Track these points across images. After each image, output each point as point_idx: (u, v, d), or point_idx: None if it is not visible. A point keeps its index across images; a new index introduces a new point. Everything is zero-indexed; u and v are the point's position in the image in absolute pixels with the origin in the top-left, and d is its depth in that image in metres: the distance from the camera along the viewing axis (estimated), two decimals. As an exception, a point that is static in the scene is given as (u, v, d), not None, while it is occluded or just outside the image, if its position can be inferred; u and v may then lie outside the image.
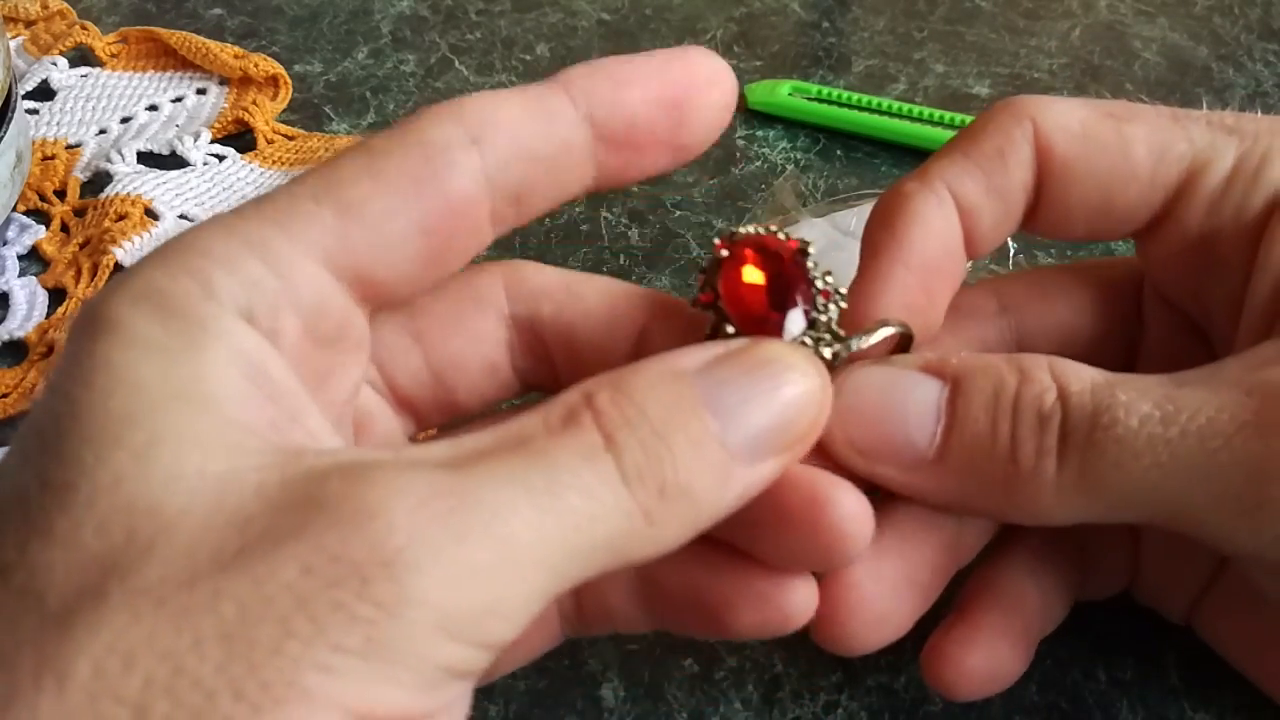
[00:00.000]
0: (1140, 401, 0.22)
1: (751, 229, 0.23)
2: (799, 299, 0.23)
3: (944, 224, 0.25)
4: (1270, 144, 0.25)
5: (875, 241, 0.25)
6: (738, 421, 0.20)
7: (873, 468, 0.23)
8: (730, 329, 0.23)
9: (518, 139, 0.21)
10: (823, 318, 0.23)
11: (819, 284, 0.23)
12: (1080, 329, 0.28)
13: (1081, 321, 0.28)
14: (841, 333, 0.23)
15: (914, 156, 0.45)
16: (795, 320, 0.23)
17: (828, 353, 0.23)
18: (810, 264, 0.23)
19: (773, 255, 0.23)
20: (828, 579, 0.24)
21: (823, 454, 0.23)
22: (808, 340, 0.23)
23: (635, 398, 0.19)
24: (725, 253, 0.23)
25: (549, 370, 0.25)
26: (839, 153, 0.45)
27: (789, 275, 0.23)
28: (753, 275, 0.23)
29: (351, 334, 0.21)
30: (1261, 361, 0.22)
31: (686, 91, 0.22)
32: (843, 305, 0.23)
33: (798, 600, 0.23)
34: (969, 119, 0.45)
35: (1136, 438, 0.22)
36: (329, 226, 0.20)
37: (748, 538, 0.23)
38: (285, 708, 0.15)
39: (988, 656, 0.26)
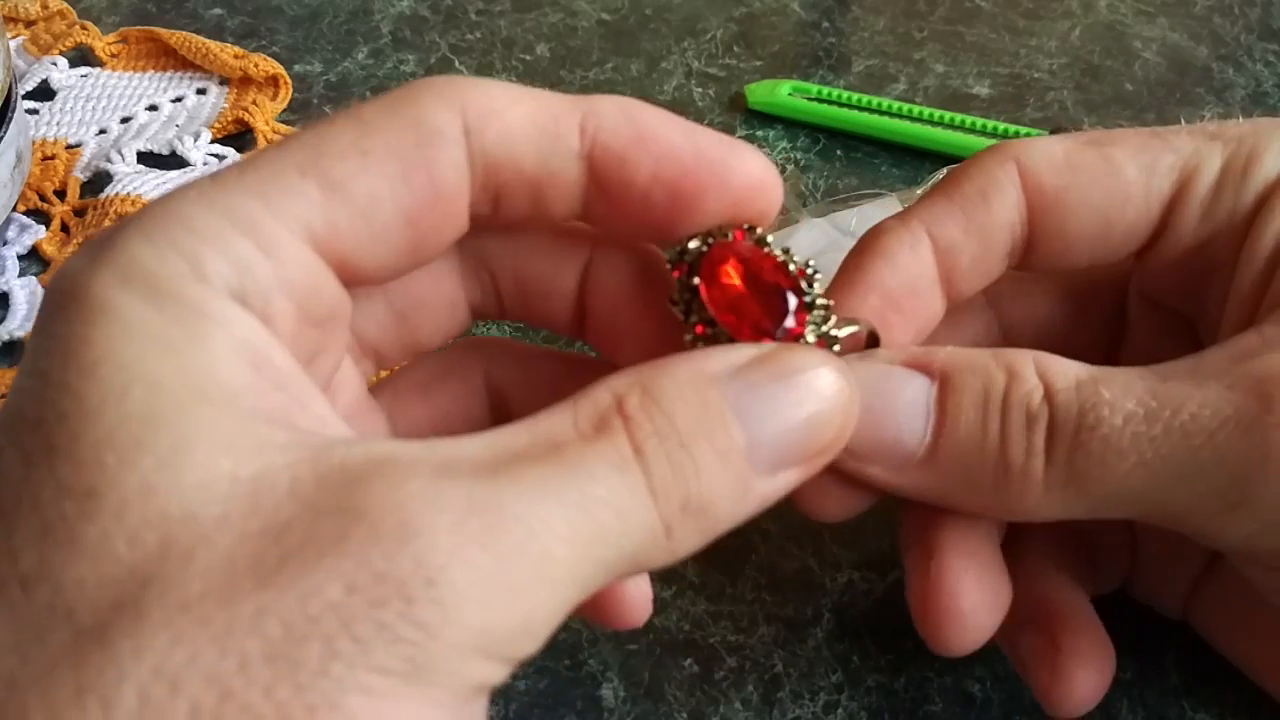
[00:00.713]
0: (1124, 399, 0.22)
1: (694, 244, 0.22)
2: (789, 293, 0.22)
3: (912, 261, 0.25)
4: (1254, 145, 0.25)
5: (842, 273, 0.26)
6: (764, 431, 0.20)
7: (862, 468, 0.23)
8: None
9: (511, 146, 0.20)
10: (817, 300, 0.22)
11: (790, 267, 0.23)
12: (1062, 324, 0.28)
13: (1063, 316, 0.28)
14: (829, 302, 0.23)
15: (914, 156, 0.45)
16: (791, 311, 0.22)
17: (839, 332, 0.22)
18: (771, 250, 0.23)
19: (742, 259, 0.22)
20: (931, 583, 0.24)
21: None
22: (812, 323, 0.22)
23: (664, 404, 0.19)
24: (696, 280, 0.22)
25: (496, 302, 0.25)
26: (839, 153, 0.45)
27: (771, 274, 0.22)
28: (735, 287, 0.22)
29: (340, 312, 0.20)
30: (1243, 352, 0.22)
31: (699, 185, 0.21)
32: (818, 275, 0.23)
33: None
34: (969, 119, 0.45)
35: (1121, 436, 0.22)
36: (314, 202, 0.19)
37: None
38: None
39: (1103, 666, 0.26)
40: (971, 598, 0.24)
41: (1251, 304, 0.24)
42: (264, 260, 0.18)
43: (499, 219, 0.22)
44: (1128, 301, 0.28)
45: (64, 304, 0.18)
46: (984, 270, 0.26)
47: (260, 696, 0.15)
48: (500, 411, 0.26)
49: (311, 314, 0.19)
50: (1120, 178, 0.25)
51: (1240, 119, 0.27)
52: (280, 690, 0.15)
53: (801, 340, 0.22)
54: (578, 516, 0.17)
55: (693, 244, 0.22)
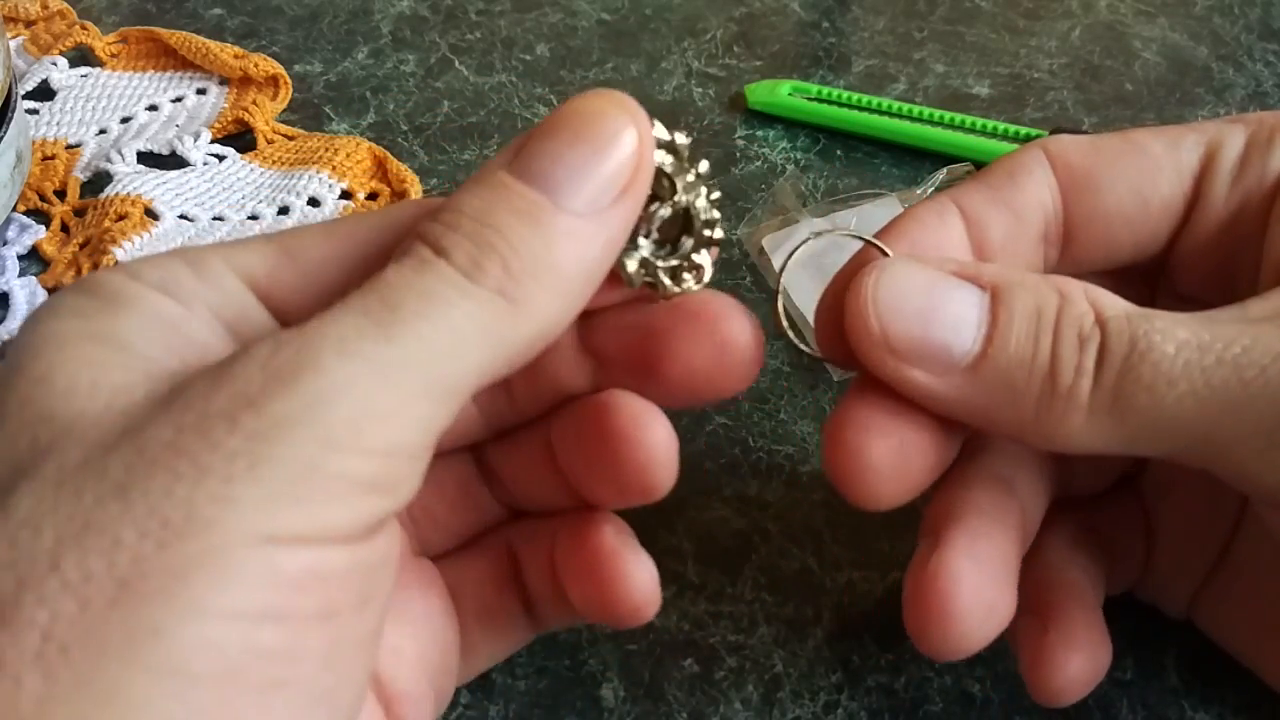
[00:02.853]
0: (1176, 329, 0.22)
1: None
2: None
3: (940, 227, 0.25)
4: (1274, 122, 0.25)
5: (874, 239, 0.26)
6: (557, 179, 0.20)
7: (902, 370, 0.23)
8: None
9: None
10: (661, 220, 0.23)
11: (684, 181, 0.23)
12: None
13: None
14: (711, 216, 0.24)
15: (914, 156, 0.45)
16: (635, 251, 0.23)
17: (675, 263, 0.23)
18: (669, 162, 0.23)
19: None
20: (927, 576, 0.24)
21: (848, 349, 0.23)
22: (645, 254, 0.23)
23: (452, 207, 0.20)
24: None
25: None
26: (839, 153, 0.45)
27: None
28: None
29: None
30: None
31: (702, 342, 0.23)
32: (711, 194, 0.23)
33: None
34: (969, 119, 0.45)
35: (1173, 364, 0.22)
36: (266, 258, 0.21)
37: (576, 470, 0.24)
38: (189, 539, 0.16)
39: (1091, 656, 0.26)
40: (965, 602, 0.23)
41: None
42: (193, 278, 0.21)
43: None
44: (1157, 302, 0.28)
45: (28, 317, 0.21)
46: (1019, 250, 0.26)
47: (116, 518, 0.16)
48: None
49: (240, 333, 0.21)
50: (1147, 153, 0.25)
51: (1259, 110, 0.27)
52: (134, 511, 0.17)
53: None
54: (382, 315, 0.18)
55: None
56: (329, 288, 0.21)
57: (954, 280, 0.23)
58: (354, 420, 0.18)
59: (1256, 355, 0.21)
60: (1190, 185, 0.25)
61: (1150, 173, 0.25)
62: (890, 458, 0.23)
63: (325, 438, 0.17)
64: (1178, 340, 0.22)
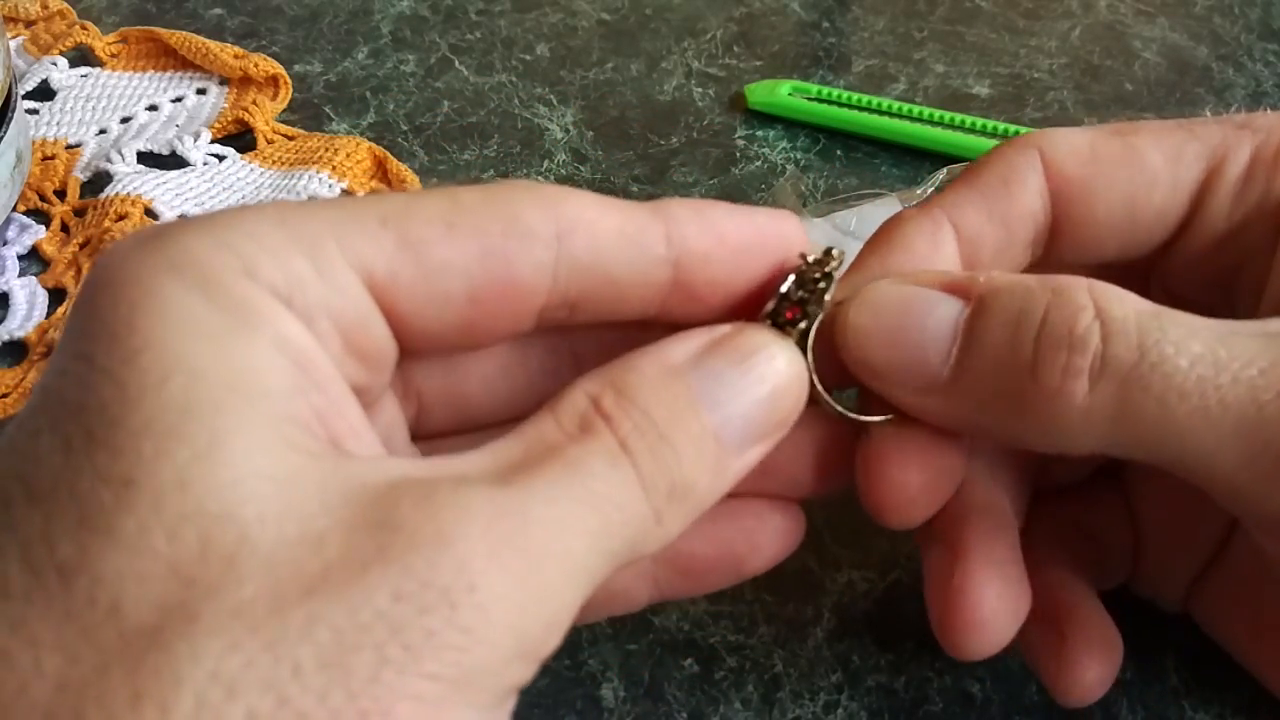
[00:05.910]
0: (1190, 341, 0.21)
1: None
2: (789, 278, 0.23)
3: (931, 250, 0.25)
4: None
5: (858, 264, 0.25)
6: (728, 414, 0.21)
7: (889, 390, 0.23)
8: None
9: (600, 254, 0.21)
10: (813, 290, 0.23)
11: (810, 258, 0.23)
12: None
13: None
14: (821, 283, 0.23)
15: (914, 156, 0.45)
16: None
17: (802, 324, 0.23)
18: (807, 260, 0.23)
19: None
20: (954, 589, 0.24)
21: (842, 369, 0.24)
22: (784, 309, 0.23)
23: (638, 400, 0.20)
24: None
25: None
26: (839, 153, 0.45)
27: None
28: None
29: (386, 357, 0.21)
30: None
31: (764, 261, 0.23)
32: (837, 268, 0.23)
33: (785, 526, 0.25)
34: (969, 119, 0.45)
35: (1186, 378, 0.21)
36: (384, 250, 0.19)
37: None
38: None
39: (1110, 652, 0.27)
40: (993, 606, 0.24)
41: None
42: (317, 280, 0.19)
43: (569, 322, 0.22)
44: (1149, 296, 0.28)
45: (110, 286, 0.17)
46: (1007, 260, 0.26)
47: (314, 703, 0.15)
48: None
49: (356, 346, 0.20)
50: (1145, 165, 0.25)
51: (1267, 110, 0.27)
52: (334, 697, 0.15)
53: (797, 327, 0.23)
54: (587, 513, 0.18)
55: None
56: (451, 297, 0.20)
57: (932, 296, 0.23)
58: (544, 630, 0.18)
59: (1274, 378, 0.21)
60: (1188, 200, 0.25)
61: (1145, 186, 0.25)
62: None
63: (519, 648, 0.17)
64: (1192, 354, 0.21)
